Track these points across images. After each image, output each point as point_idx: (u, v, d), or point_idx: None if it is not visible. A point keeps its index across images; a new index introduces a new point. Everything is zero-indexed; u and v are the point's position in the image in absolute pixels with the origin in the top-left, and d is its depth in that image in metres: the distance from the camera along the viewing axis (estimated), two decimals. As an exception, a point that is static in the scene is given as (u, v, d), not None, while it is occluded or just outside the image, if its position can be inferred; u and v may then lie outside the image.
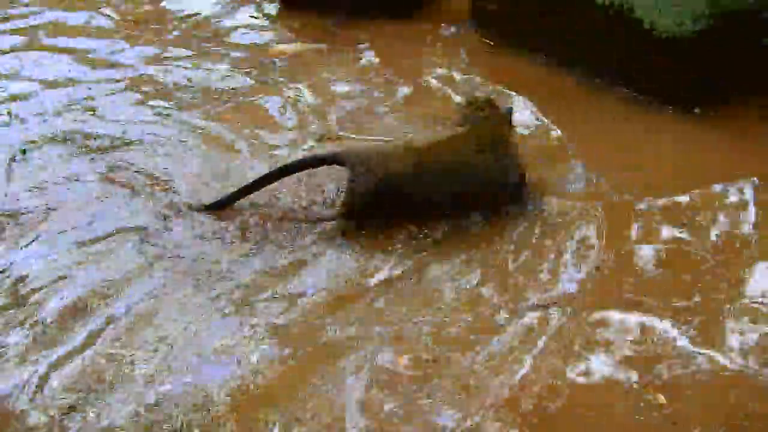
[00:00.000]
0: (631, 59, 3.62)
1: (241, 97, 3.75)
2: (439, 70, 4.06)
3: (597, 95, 3.73)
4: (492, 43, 4.27)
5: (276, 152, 3.26)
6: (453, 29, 4.48)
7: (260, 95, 3.78)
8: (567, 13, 3.85)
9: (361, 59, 4.19)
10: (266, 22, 4.73)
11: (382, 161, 2.78)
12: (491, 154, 2.87)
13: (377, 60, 4.18)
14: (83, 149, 3.25)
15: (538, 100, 3.71)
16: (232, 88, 3.83)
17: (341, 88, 3.87)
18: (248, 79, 3.94)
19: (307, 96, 3.77)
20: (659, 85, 3.52)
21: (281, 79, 3.94)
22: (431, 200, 2.83)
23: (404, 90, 3.86)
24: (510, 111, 3.04)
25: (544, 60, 3.99)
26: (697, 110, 3.53)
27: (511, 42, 4.18)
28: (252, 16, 4.78)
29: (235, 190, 2.88)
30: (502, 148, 2.91)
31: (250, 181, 2.88)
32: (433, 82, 3.95)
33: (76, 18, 4.67)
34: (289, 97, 3.76)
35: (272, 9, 4.86)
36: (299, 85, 3.87)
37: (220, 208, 2.87)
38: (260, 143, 3.34)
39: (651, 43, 3.49)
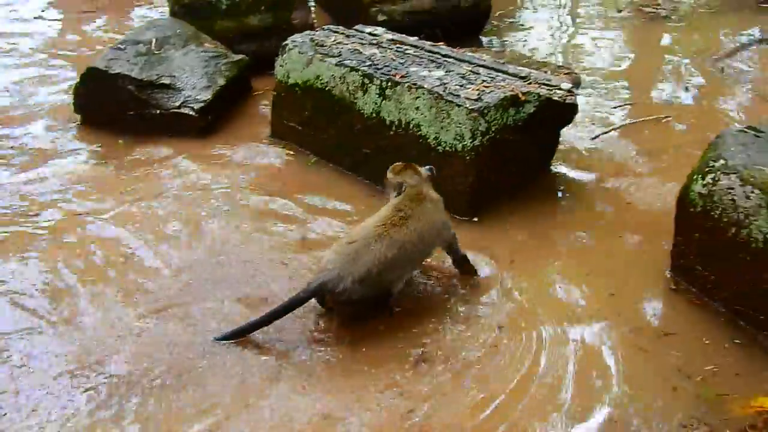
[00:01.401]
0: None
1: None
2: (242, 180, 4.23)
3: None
4: (293, 155, 4.53)
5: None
6: (251, 146, 4.67)
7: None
8: (362, 131, 4.21)
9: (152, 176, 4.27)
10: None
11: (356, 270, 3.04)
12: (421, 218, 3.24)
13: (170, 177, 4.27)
14: None
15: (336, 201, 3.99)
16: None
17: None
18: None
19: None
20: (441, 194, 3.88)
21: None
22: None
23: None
24: (431, 170, 3.44)
25: (346, 171, 4.32)
26: (476, 219, 3.92)
27: (310, 152, 4.49)
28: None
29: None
30: (426, 206, 3.30)
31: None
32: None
33: None
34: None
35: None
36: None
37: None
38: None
39: (436, 157, 3.88)
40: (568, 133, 4.50)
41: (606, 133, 4.83)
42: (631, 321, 3.20)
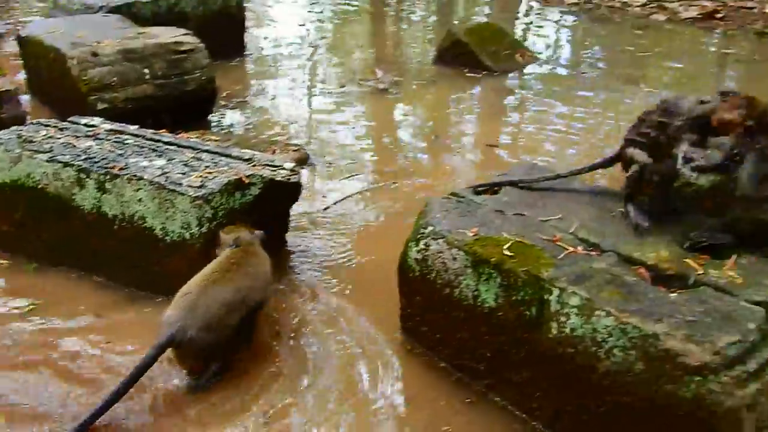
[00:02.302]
0: (147, 264, 3.88)
1: None
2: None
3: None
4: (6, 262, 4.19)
5: None
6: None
7: None
8: (85, 229, 4.00)
9: None
10: None
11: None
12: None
13: None
14: None
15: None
16: None
17: None
18: None
19: None
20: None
21: None
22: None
23: None
24: (262, 234, 3.63)
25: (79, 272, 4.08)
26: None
27: (29, 257, 4.18)
28: None
29: None
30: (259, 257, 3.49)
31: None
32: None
33: None
34: None
35: None
36: None
37: None
38: None
39: (165, 248, 3.80)
40: (299, 207, 4.61)
41: (337, 203, 5.04)
42: (372, 387, 3.31)
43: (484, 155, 5.95)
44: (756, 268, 2.92)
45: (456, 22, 10.50)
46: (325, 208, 4.95)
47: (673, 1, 11.16)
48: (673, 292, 2.83)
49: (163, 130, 4.65)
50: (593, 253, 3.12)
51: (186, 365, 3.27)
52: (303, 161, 5.56)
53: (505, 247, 3.15)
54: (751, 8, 10.82)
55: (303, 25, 10.21)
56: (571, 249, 3.13)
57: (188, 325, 3.10)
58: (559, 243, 3.18)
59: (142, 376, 3.04)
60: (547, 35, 10.04)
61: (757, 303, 2.71)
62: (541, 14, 11.19)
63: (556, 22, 10.76)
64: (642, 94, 7.38)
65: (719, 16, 10.48)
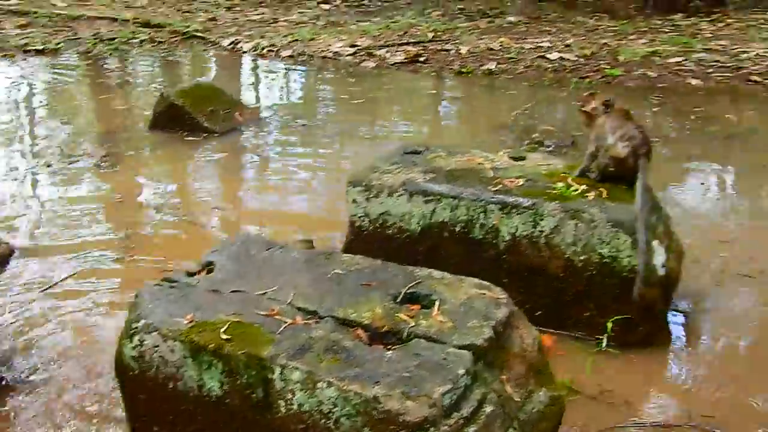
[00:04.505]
0: None
1: None
2: None
3: None
4: None
5: None
6: None
7: None
8: None
9: None
10: None
11: None
12: None
13: None
14: None
15: None
16: None
17: None
18: None
19: None
20: None
21: None
22: None
23: None
24: None
25: None
26: None
27: None
28: None
29: None
30: None
31: None
32: None
33: None
34: None
35: None
36: None
37: None
38: None
39: None
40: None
41: (50, 287, 4.71)
42: None
43: (208, 223, 5.80)
44: (461, 311, 3.07)
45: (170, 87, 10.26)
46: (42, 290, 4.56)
47: (380, 48, 11.87)
48: (389, 350, 2.88)
49: None
50: (312, 321, 3.10)
51: None
52: (9, 255, 5.08)
53: (222, 330, 3.02)
54: (449, 50, 11.83)
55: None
56: (290, 321, 3.08)
57: None
58: (277, 316, 3.12)
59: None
60: (266, 90, 10.18)
61: (465, 346, 2.84)
62: (260, 69, 11.34)
63: (273, 76, 10.96)
64: (364, 139, 7.71)
65: (422, 59, 11.32)
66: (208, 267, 3.58)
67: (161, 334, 3.11)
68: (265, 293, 3.31)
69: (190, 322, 3.12)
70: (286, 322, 3.07)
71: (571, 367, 3.81)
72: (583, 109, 4.36)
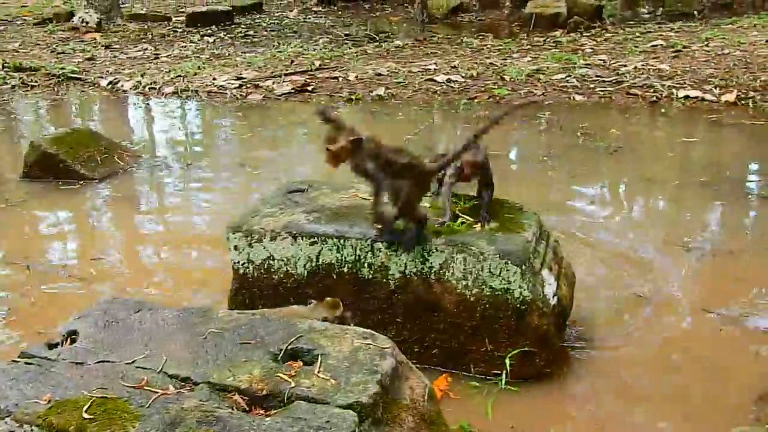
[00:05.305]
0: None
1: None
2: None
3: None
4: None
5: None
6: None
7: None
8: None
9: None
10: None
11: None
12: None
13: None
14: None
15: None
16: None
17: None
18: None
19: None
20: None
21: None
22: None
23: None
24: None
25: None
26: None
27: None
28: None
29: None
30: None
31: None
32: None
33: None
34: None
35: None
36: None
37: None
38: None
39: None
40: None
41: None
42: None
43: (87, 278, 5.42)
44: (345, 366, 2.90)
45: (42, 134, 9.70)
46: None
47: (267, 80, 11.66)
48: (269, 415, 2.67)
49: None
50: (185, 389, 2.85)
51: None
52: None
53: (84, 409, 2.74)
54: (337, 77, 11.74)
55: None
56: (161, 392, 2.82)
57: None
58: (147, 388, 2.86)
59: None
60: (148, 130, 9.78)
61: (349, 406, 2.66)
62: (141, 109, 10.91)
63: (156, 115, 10.56)
64: (251, 177, 7.46)
65: (311, 88, 11.18)
66: (71, 336, 3.28)
67: (15, 420, 2.78)
68: (133, 362, 3.04)
69: (49, 402, 2.81)
70: (156, 393, 2.82)
71: (472, 409, 3.70)
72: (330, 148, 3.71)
